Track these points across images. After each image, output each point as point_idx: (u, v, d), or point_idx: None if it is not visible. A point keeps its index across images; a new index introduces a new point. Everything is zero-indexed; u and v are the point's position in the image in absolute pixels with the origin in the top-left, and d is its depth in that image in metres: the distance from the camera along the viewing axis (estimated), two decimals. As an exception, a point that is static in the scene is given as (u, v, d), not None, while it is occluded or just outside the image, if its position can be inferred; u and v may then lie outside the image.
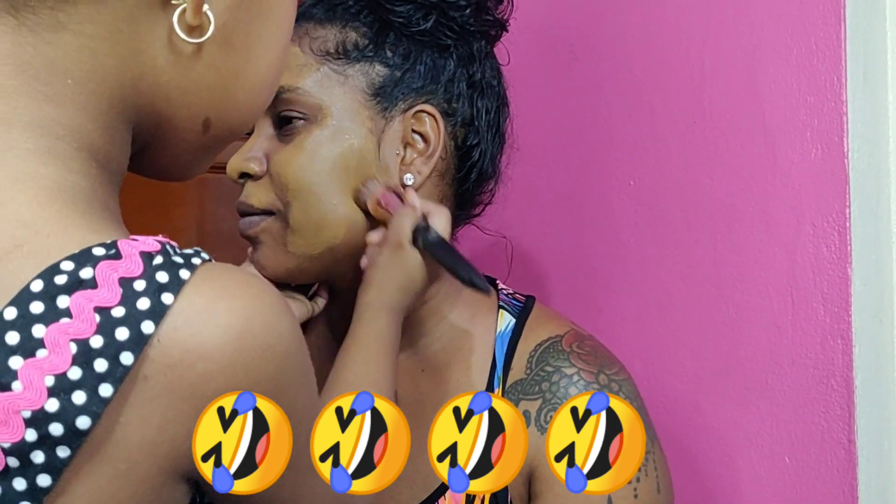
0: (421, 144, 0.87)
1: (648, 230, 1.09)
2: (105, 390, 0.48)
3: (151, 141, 0.60)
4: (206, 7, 0.56)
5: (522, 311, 0.91)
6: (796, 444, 0.96)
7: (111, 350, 0.48)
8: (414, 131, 0.87)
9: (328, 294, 0.94)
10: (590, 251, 1.14)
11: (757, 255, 0.99)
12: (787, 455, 0.97)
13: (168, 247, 0.52)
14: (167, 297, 0.49)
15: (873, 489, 0.90)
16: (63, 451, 0.48)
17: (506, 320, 0.90)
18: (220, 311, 0.50)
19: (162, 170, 0.64)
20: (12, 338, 0.48)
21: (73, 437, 0.48)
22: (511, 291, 0.95)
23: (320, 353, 0.95)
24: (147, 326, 0.49)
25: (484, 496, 0.84)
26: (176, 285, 0.50)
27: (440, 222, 0.85)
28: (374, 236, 0.86)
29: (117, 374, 0.48)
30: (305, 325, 0.95)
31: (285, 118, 0.85)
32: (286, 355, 0.53)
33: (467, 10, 0.89)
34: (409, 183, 0.86)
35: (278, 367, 0.53)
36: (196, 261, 0.51)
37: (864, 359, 0.91)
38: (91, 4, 0.54)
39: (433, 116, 0.87)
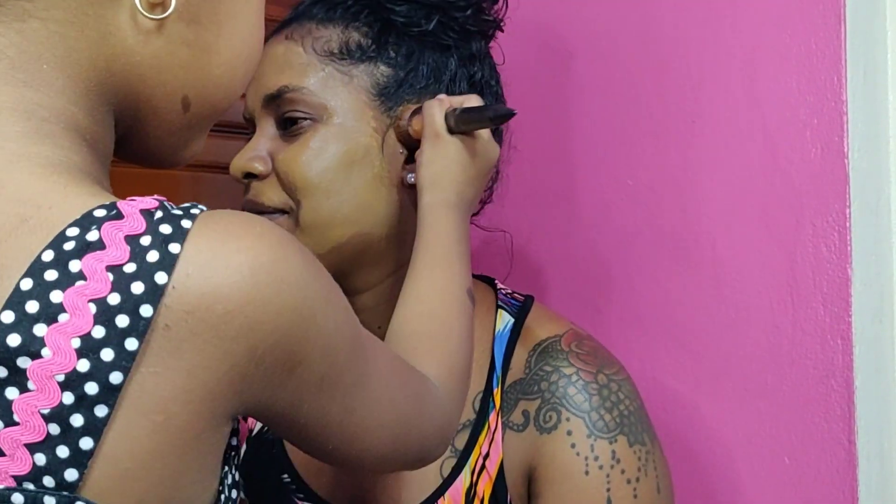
0: None
1: (647, 230, 1.09)
2: (131, 344, 0.49)
3: (134, 123, 0.61)
4: None
5: (521, 311, 0.91)
6: (796, 445, 0.96)
7: (129, 305, 0.49)
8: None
9: None
10: (588, 251, 1.14)
11: (757, 255, 0.99)
12: (787, 455, 0.97)
13: (166, 203, 0.53)
14: (174, 247, 0.50)
15: (873, 489, 0.90)
16: (101, 410, 0.49)
17: (504, 320, 0.90)
18: (229, 252, 0.51)
19: (150, 154, 0.65)
20: (32, 307, 0.49)
21: (109, 394, 0.49)
22: (510, 291, 0.95)
23: None
24: (160, 277, 0.50)
25: (483, 497, 0.84)
26: (180, 235, 0.51)
27: (473, 103, 0.85)
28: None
29: (140, 328, 0.49)
30: None
31: (290, 118, 0.85)
32: (302, 285, 0.54)
33: (468, 11, 0.89)
34: (412, 182, 0.86)
35: (296, 297, 0.53)
36: (195, 211, 0.53)
37: (865, 359, 0.91)
38: None
39: None
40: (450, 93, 0.89)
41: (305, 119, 0.85)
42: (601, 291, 1.13)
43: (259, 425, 0.94)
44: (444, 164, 0.83)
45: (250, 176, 0.87)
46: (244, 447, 0.94)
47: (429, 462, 0.70)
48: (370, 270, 0.88)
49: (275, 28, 0.91)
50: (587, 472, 0.82)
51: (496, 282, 0.96)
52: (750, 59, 1.00)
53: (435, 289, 0.77)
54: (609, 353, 0.90)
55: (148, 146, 0.64)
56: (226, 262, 0.51)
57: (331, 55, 0.86)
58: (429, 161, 0.83)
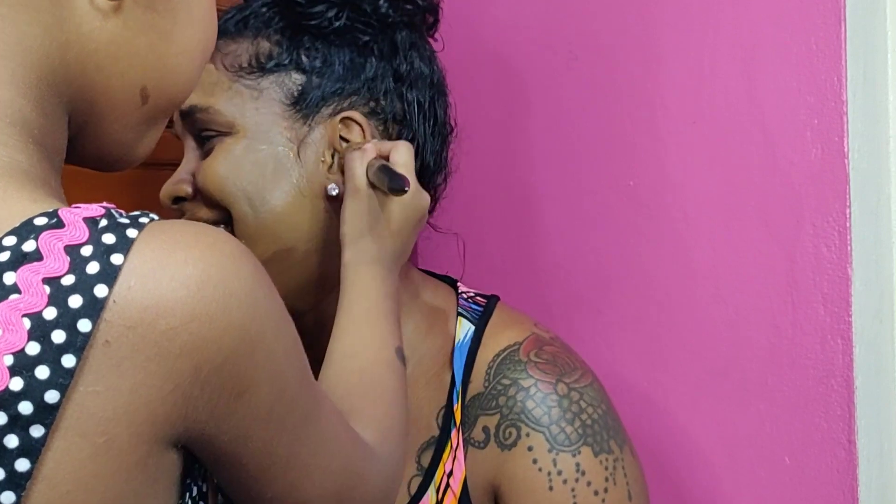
0: None
1: (648, 230, 1.09)
2: (68, 361, 0.47)
3: (89, 118, 0.59)
4: None
5: (482, 317, 0.88)
6: (796, 445, 0.96)
7: (67, 319, 0.47)
8: (341, 137, 0.84)
9: None
10: (590, 252, 1.14)
11: (757, 256, 0.99)
12: (788, 455, 0.96)
13: (113, 211, 0.50)
14: (117, 258, 0.48)
15: (873, 489, 0.90)
16: (37, 431, 0.47)
17: (464, 328, 0.88)
18: (176, 264, 0.49)
19: (105, 153, 0.62)
20: None
21: (45, 414, 0.47)
22: (472, 294, 0.92)
23: None
24: (100, 290, 0.47)
25: None
26: (124, 245, 0.48)
27: (401, 155, 0.80)
28: None
29: (78, 343, 0.47)
30: None
31: (204, 136, 0.84)
32: (252, 303, 0.51)
33: (381, 2, 0.86)
34: (333, 193, 0.83)
35: (245, 316, 0.51)
36: (144, 220, 0.50)
37: (865, 359, 0.91)
38: None
39: (357, 122, 0.84)
40: (372, 91, 0.85)
41: (216, 135, 0.84)
42: (601, 292, 1.13)
43: None
44: (365, 220, 0.80)
45: (179, 200, 0.85)
46: None
47: None
48: (304, 290, 0.85)
49: None
50: (551, 488, 0.80)
51: (458, 284, 0.93)
52: (750, 60, 1.00)
53: (363, 348, 0.74)
54: (571, 359, 0.86)
55: (103, 144, 0.61)
56: (171, 275, 0.48)
57: (240, 70, 0.84)
58: (350, 216, 0.80)
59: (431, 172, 0.89)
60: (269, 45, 0.84)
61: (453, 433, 0.84)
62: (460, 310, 0.89)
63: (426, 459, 0.84)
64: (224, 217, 0.84)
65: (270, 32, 0.85)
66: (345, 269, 0.79)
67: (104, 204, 0.51)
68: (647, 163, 1.09)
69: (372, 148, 0.81)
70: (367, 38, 0.85)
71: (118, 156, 0.62)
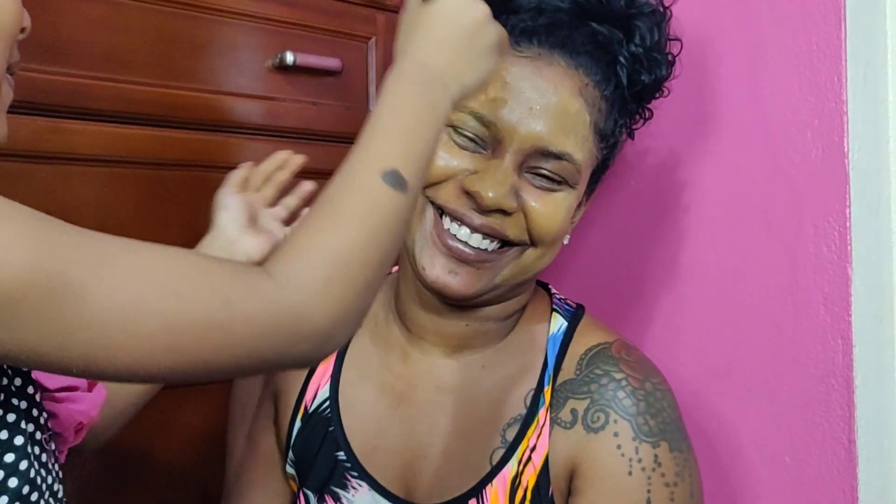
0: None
1: (650, 231, 1.09)
2: None
3: None
4: None
5: (574, 317, 0.94)
6: (797, 444, 0.96)
7: None
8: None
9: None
10: (592, 252, 1.15)
11: (758, 256, 0.99)
12: (788, 455, 0.97)
13: None
14: None
15: (873, 489, 0.91)
16: None
17: (558, 323, 0.94)
18: None
19: None
20: None
21: None
22: (563, 297, 0.98)
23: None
24: None
25: (526, 487, 0.87)
26: None
27: None
28: None
29: None
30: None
31: (550, 178, 0.88)
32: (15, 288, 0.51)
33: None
34: (565, 242, 0.93)
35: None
36: None
37: (865, 359, 0.91)
38: None
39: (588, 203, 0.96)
40: (591, 189, 0.94)
41: (563, 183, 0.88)
42: (603, 291, 1.13)
43: (315, 404, 0.96)
44: (411, 31, 0.73)
45: (500, 211, 0.87)
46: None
47: (283, 360, 0.61)
48: (502, 311, 0.93)
49: (564, 37, 0.89)
50: (630, 473, 0.85)
51: (550, 287, 0.99)
52: (751, 60, 1.00)
53: (345, 171, 0.65)
54: (653, 364, 0.92)
55: None
56: None
57: (599, 134, 0.90)
58: (400, 30, 0.75)
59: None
60: (613, 126, 0.92)
61: (541, 412, 0.89)
62: (555, 306, 0.96)
63: (511, 434, 0.89)
64: (526, 241, 0.89)
65: (619, 115, 0.92)
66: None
67: None
68: (649, 163, 1.09)
69: None
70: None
71: None
